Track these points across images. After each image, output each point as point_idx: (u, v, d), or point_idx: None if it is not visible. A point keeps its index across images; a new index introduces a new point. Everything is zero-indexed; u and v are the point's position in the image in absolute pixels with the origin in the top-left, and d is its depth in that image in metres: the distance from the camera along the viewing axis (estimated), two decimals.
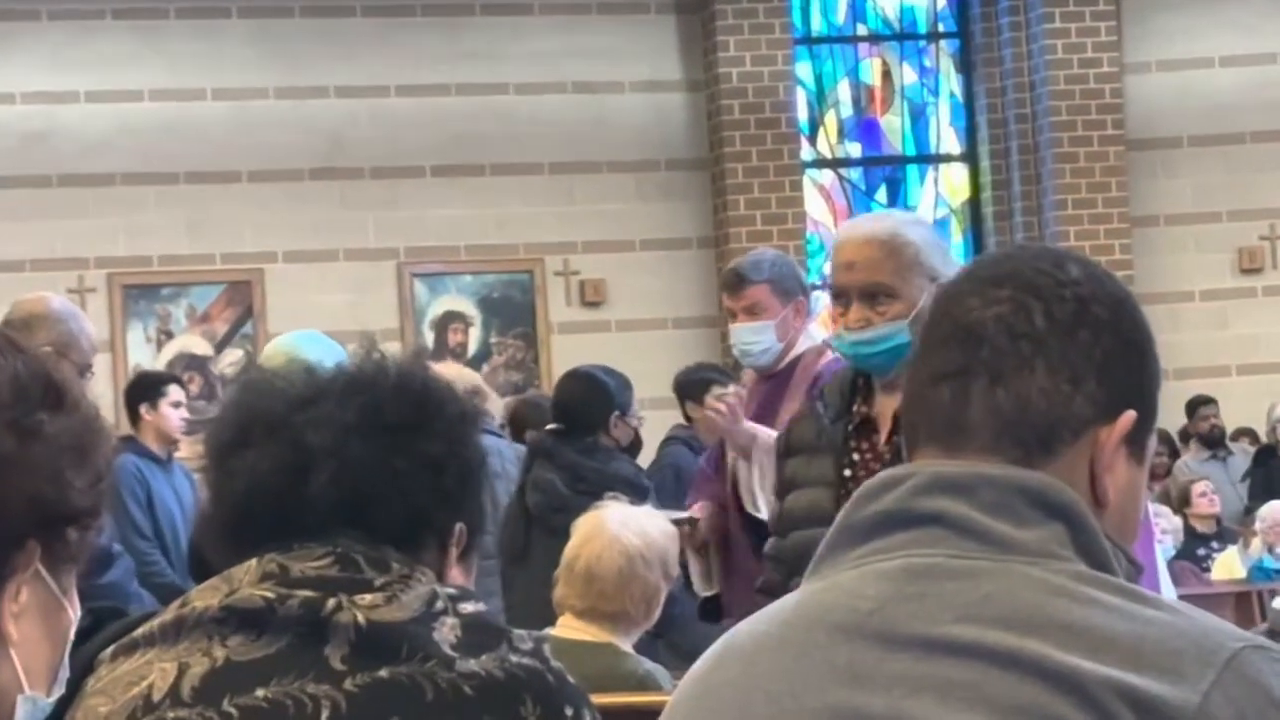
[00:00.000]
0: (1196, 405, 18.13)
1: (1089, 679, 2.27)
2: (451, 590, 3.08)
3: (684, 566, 8.02)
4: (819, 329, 9.50)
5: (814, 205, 18.76)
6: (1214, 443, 17.97)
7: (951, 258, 5.18)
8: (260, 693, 2.93)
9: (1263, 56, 19.17)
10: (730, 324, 9.00)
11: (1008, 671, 2.31)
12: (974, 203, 19.30)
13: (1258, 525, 14.79)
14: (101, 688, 2.98)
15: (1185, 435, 18.21)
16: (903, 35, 19.44)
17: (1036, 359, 2.46)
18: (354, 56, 17.59)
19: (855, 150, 19.44)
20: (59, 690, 2.24)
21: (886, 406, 5.08)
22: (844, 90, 19.42)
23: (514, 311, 18.12)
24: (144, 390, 10.88)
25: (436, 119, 17.66)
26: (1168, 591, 11.77)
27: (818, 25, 19.32)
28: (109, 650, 3.04)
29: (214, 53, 17.18)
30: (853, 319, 4.94)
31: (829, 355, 8.13)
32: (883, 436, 6.19)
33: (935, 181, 19.52)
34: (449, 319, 17.88)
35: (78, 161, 16.67)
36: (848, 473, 5.24)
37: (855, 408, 5.37)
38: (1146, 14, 19.24)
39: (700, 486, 8.82)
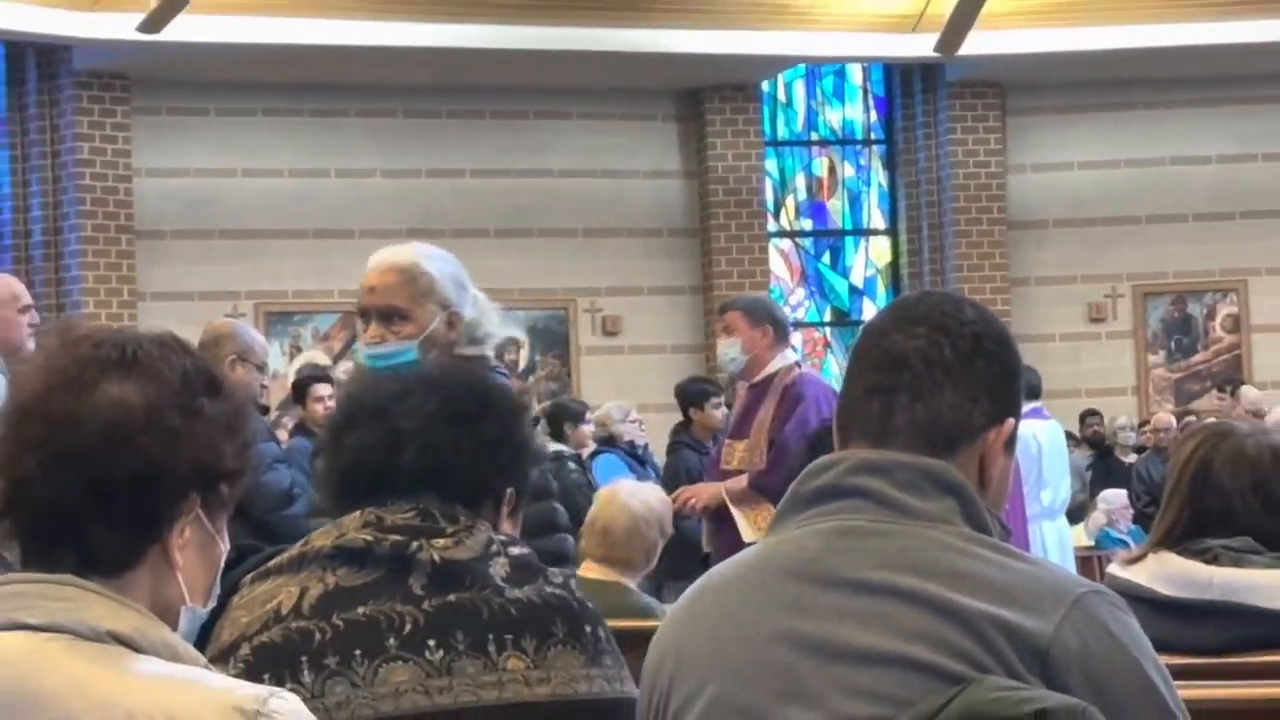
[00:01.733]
0: (1085, 416, 18.79)
1: (971, 613, 2.49)
2: (503, 537, 3.22)
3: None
4: (792, 353, 9.76)
5: (776, 265, 19.40)
6: (1096, 444, 18.35)
7: (468, 292, 4.84)
8: (360, 610, 3.07)
9: (1107, 162, 19.79)
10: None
11: (911, 606, 2.54)
12: (894, 266, 19.80)
13: (1100, 506, 15.22)
14: (243, 604, 3.16)
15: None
16: (844, 140, 20.07)
17: (946, 382, 2.66)
18: (440, 147, 18.20)
19: (808, 224, 20.06)
20: (212, 604, 2.51)
21: None
22: (800, 180, 20.00)
23: (553, 338, 18.57)
24: (298, 389, 12.11)
25: (499, 194, 18.19)
26: (1035, 549, 11.57)
27: (782, 131, 20.00)
28: (249, 576, 3.22)
29: (336, 143, 17.82)
30: (370, 335, 4.77)
31: (796, 371, 9.09)
32: None
33: (866, 250, 20.07)
34: (507, 343, 17.91)
35: (234, 220, 17.30)
36: None
37: None
38: (1025, 129, 19.91)
39: (710, 472, 9.54)
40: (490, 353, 4.89)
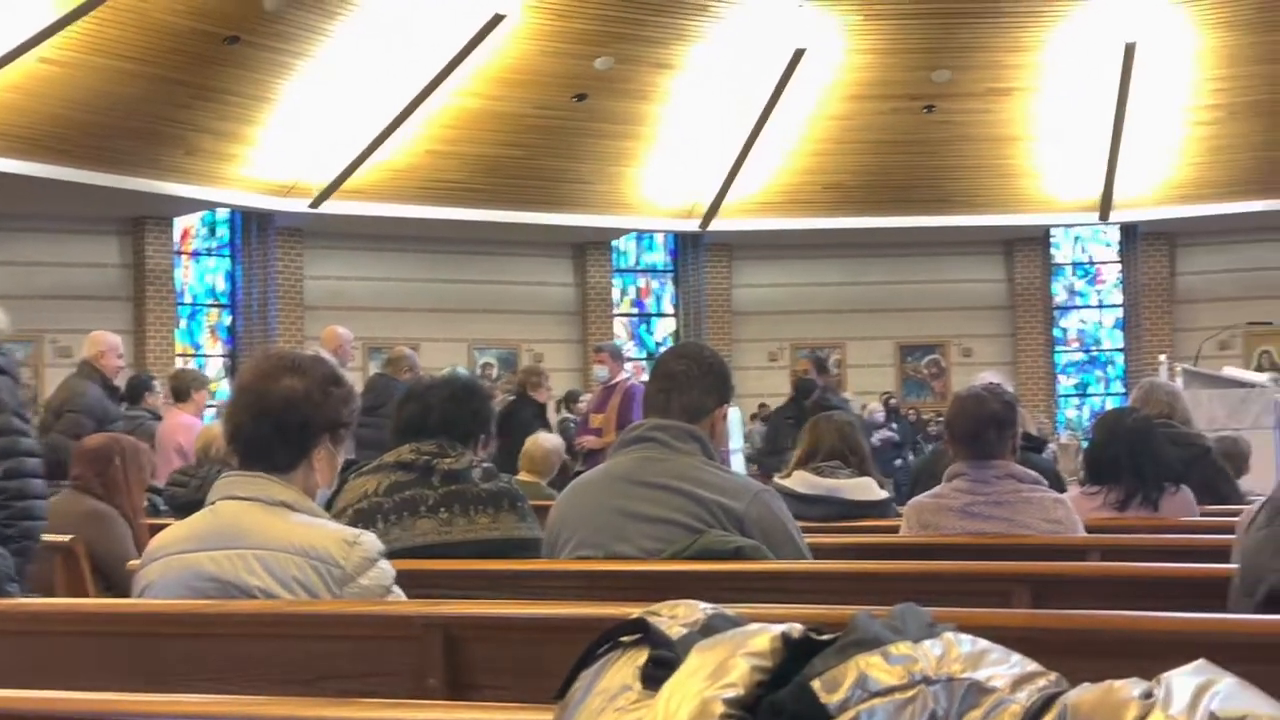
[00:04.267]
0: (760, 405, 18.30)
1: (705, 499, 2.95)
2: (478, 458, 3.52)
3: None
4: (626, 371, 10.53)
5: (619, 329, 21.01)
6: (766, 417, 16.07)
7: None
8: (407, 493, 3.37)
9: (787, 284, 21.16)
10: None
11: (676, 495, 3.04)
12: (676, 334, 21.20)
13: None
14: (349, 488, 3.43)
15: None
16: (653, 270, 21.51)
17: (695, 386, 3.12)
18: (454, 268, 19.43)
19: (635, 311, 21.48)
20: (333, 488, 2.85)
21: None
22: (631, 290, 21.51)
23: (510, 365, 19.32)
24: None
25: (482, 295, 19.59)
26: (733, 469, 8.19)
27: (623, 264, 21.49)
28: (350, 474, 3.46)
29: (400, 264, 19.15)
30: None
31: (630, 380, 9.85)
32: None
33: (662, 324, 21.41)
34: (486, 367, 19.56)
35: (348, 301, 18.11)
36: None
37: None
38: (741, 268, 21.32)
39: (582, 428, 10.25)
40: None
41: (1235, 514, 4.18)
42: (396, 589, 2.69)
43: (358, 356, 17.25)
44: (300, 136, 16.96)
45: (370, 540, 2.65)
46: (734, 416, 11.00)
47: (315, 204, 17.83)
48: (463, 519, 3.41)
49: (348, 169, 17.48)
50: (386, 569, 2.66)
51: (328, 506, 3.21)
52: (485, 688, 2.31)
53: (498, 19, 16.57)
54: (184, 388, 8.89)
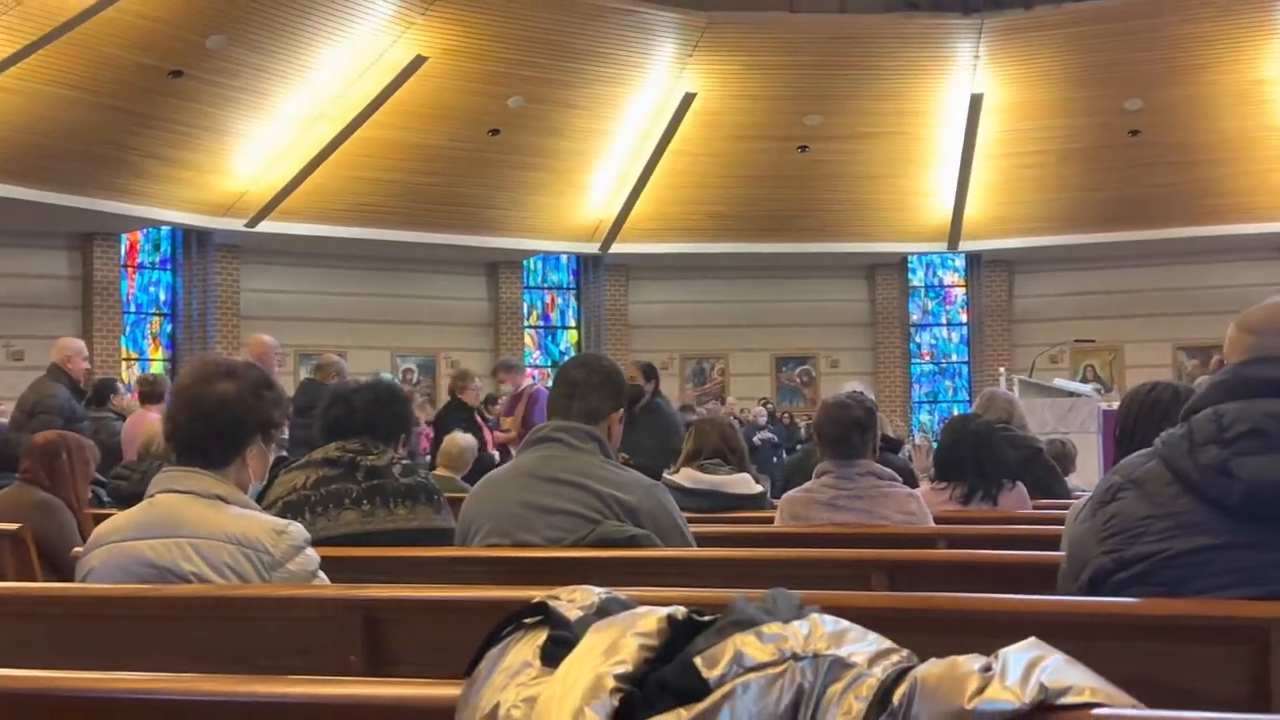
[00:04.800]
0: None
1: (602, 493, 2.92)
2: (398, 455, 3.41)
3: None
4: (532, 381, 10.92)
5: (528, 340, 20.81)
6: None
7: None
8: (332, 486, 3.28)
9: (679, 300, 20.89)
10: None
11: (576, 489, 2.99)
12: (577, 344, 21.11)
13: None
14: (279, 483, 3.34)
15: None
16: (558, 287, 21.35)
17: (594, 393, 3.09)
18: (377, 283, 19.00)
19: (541, 323, 21.10)
20: (264, 483, 2.92)
21: None
22: (539, 305, 21.28)
23: (429, 372, 19.32)
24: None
25: (409, 307, 19.30)
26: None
27: (531, 282, 21.01)
28: (280, 470, 3.40)
29: (330, 278, 18.89)
30: None
31: (535, 386, 10.04)
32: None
33: (566, 336, 21.16)
34: (407, 373, 19.12)
35: (279, 313, 17.85)
36: None
37: None
38: (639, 286, 21.14)
39: (496, 429, 10.05)
40: None
41: (1064, 507, 4.33)
42: (321, 574, 2.63)
43: (289, 362, 17.52)
44: (238, 162, 16.77)
45: (298, 530, 2.60)
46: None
47: (252, 223, 17.55)
48: (383, 510, 3.31)
49: (282, 192, 17.22)
50: (312, 556, 2.61)
51: (259, 499, 3.14)
52: (402, 664, 2.28)
53: (420, 60, 16.61)
54: (157, 390, 8.77)
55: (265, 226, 17.57)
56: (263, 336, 9.14)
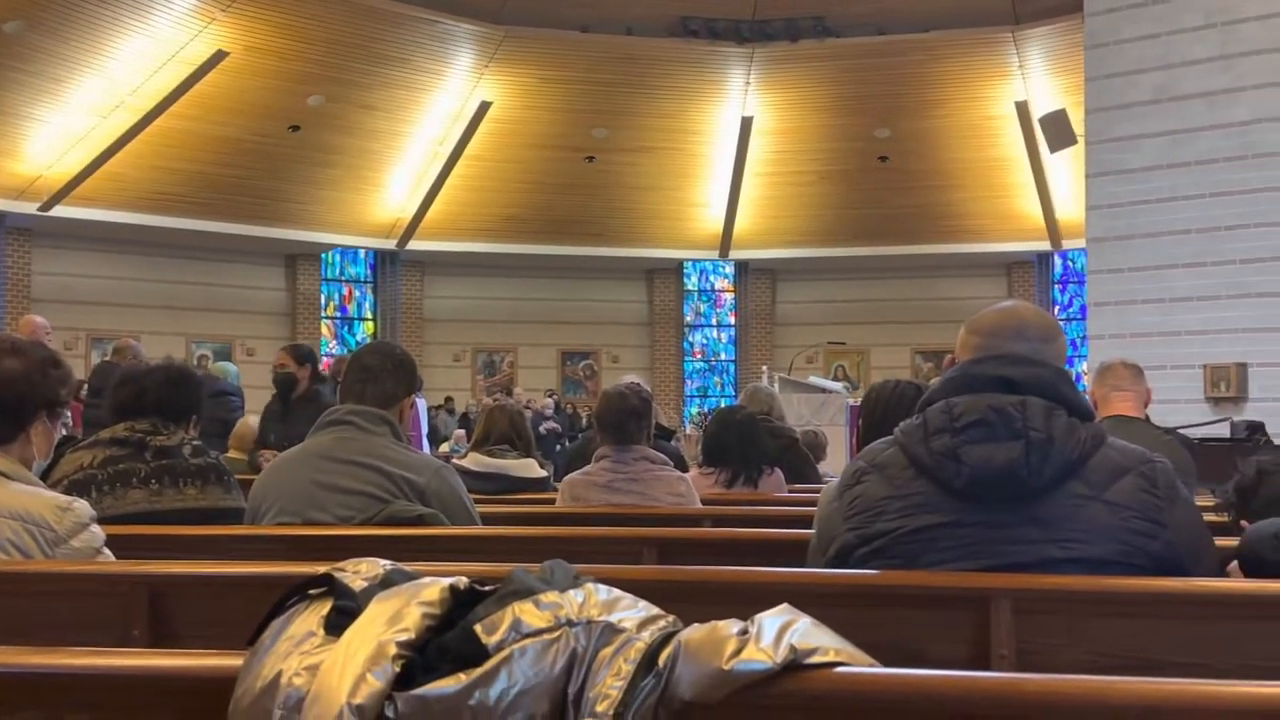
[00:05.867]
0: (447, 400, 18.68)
1: (393, 474, 2.84)
2: (188, 436, 3.30)
3: None
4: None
5: (325, 329, 20.07)
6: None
7: None
8: (120, 466, 3.14)
9: (472, 297, 20.65)
10: None
11: (368, 470, 2.93)
12: (373, 333, 20.40)
13: (455, 434, 14.21)
14: (65, 460, 3.20)
15: None
16: (356, 280, 20.76)
17: (388, 378, 3.06)
18: (171, 270, 18.26)
19: (339, 314, 20.37)
20: (48, 460, 2.73)
21: None
22: (336, 296, 20.57)
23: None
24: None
25: (196, 294, 18.49)
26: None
27: (329, 274, 20.30)
28: (67, 449, 3.26)
29: (127, 263, 18.05)
30: None
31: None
32: None
33: (363, 326, 20.61)
34: (202, 358, 17.92)
35: (78, 296, 17.26)
36: None
37: None
38: (433, 282, 20.68)
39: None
40: None
41: (815, 491, 4.39)
42: (106, 551, 2.52)
43: (81, 345, 17.11)
44: (33, 147, 16.10)
45: (82, 507, 2.49)
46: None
47: (45, 207, 16.70)
48: (172, 490, 3.20)
49: (77, 178, 16.51)
50: (97, 533, 2.50)
51: (43, 478, 2.99)
52: (185, 638, 2.19)
53: (221, 55, 16.18)
54: None
55: (60, 211, 16.78)
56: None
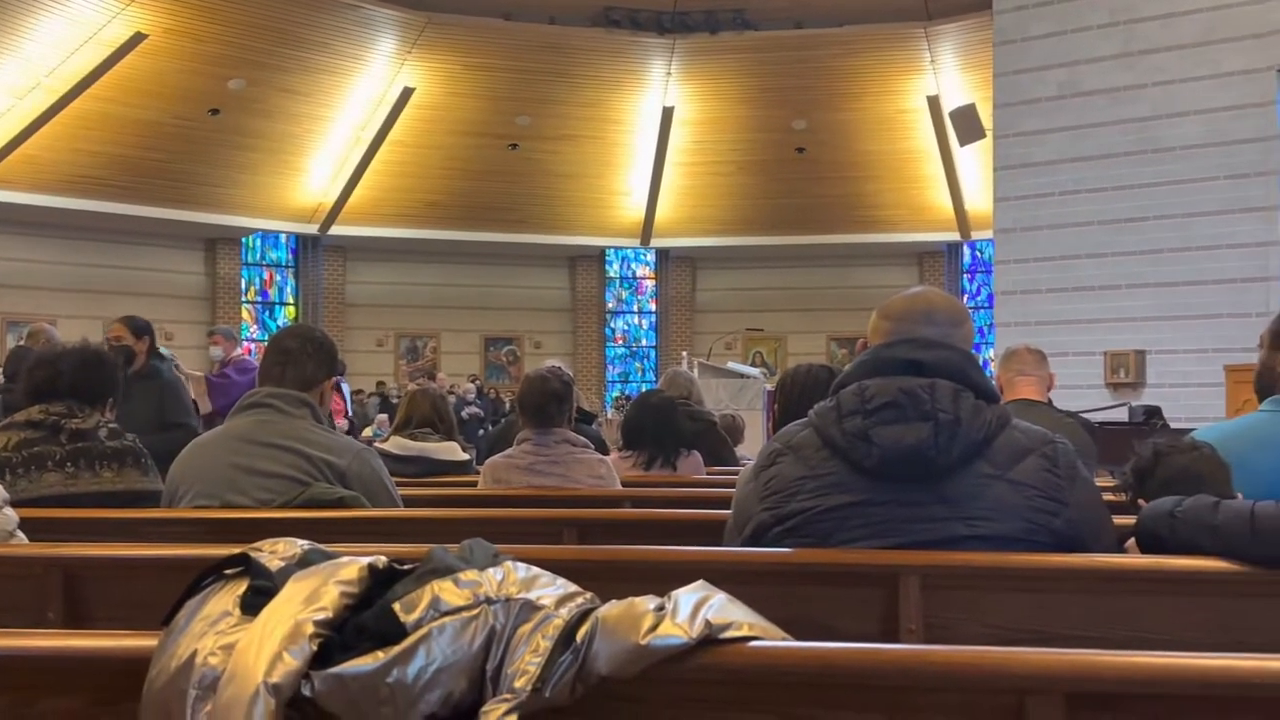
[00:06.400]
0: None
1: (313, 456, 2.84)
2: (105, 419, 3.25)
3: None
4: (240, 349, 9.21)
5: (245, 314, 19.86)
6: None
7: None
8: (35, 449, 3.11)
9: (399, 283, 20.50)
10: None
11: (288, 453, 2.87)
12: (295, 317, 20.27)
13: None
14: None
15: None
16: (277, 265, 20.52)
17: (308, 361, 3.03)
18: (83, 252, 17.83)
19: (259, 299, 20.19)
20: None
21: None
22: (257, 281, 20.29)
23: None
24: None
25: (112, 277, 18.24)
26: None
27: (250, 259, 20.16)
28: None
29: (43, 247, 17.74)
30: None
31: (244, 356, 8.96)
32: None
33: (284, 311, 20.47)
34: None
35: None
36: None
37: None
38: (357, 267, 20.60)
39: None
40: None
41: (733, 473, 4.46)
42: (20, 534, 2.46)
43: None
44: None
45: None
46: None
47: None
48: (88, 473, 3.14)
49: None
50: (10, 515, 2.44)
51: None
52: (101, 620, 2.15)
53: (140, 37, 15.89)
54: None
55: None
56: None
